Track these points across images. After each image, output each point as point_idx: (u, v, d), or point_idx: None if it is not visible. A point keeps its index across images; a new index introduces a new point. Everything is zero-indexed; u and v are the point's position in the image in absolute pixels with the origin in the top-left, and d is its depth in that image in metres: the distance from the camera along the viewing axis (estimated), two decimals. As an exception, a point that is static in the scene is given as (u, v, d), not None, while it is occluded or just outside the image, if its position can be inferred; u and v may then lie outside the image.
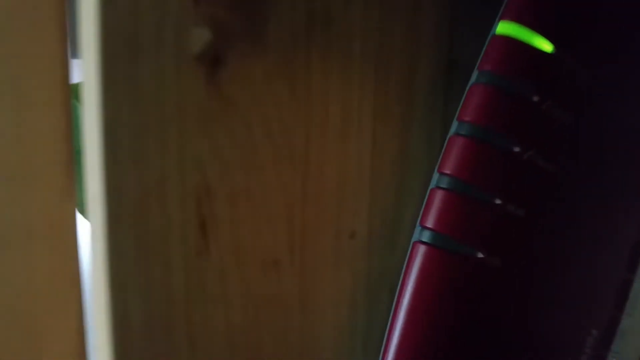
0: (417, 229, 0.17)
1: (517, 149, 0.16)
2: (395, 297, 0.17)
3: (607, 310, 0.20)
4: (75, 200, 0.19)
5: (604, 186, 0.19)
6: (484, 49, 0.17)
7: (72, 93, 0.19)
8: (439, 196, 0.16)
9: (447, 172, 0.16)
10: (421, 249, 0.16)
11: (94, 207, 0.14)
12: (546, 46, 0.16)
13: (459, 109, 0.17)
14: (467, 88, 0.17)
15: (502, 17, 0.17)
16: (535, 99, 0.16)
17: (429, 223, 0.16)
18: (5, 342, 0.18)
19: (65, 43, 0.18)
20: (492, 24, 0.17)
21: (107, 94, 0.13)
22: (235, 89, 0.14)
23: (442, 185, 0.16)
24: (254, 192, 0.15)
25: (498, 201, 0.16)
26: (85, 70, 0.13)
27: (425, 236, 0.16)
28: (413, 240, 0.17)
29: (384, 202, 0.18)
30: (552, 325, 0.19)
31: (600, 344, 0.20)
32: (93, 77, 0.13)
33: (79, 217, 0.20)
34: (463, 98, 0.17)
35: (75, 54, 0.17)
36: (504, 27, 0.16)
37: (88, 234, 0.15)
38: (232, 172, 0.15)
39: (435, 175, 0.17)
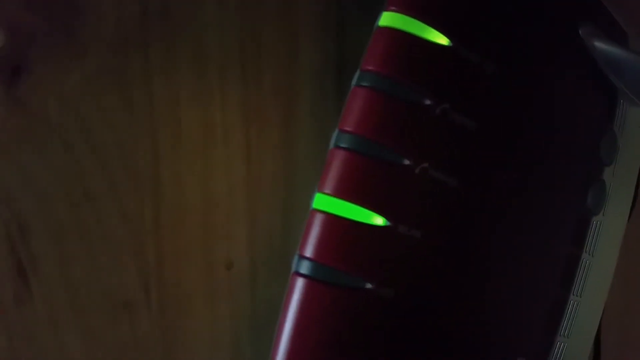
0: (296, 257, 0.14)
1: (407, 162, 0.14)
2: (274, 336, 0.14)
3: (551, 297, 0.18)
4: None
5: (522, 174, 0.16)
6: (368, 45, 0.14)
7: None
8: (318, 219, 0.14)
9: (327, 191, 0.14)
10: (299, 282, 0.14)
11: None
12: (438, 36, 0.14)
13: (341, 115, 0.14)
14: (349, 92, 0.14)
15: (386, 7, 0.14)
16: (428, 102, 0.14)
17: (308, 252, 0.14)
18: None
19: None
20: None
21: None
22: (44, 102, 0.12)
23: (320, 208, 0.14)
24: (85, 225, 0.13)
25: (389, 224, 0.14)
26: None
27: (304, 267, 0.14)
28: (292, 271, 0.14)
29: (266, 224, 0.16)
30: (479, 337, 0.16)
31: (546, 330, 0.18)
32: None
33: None
34: (345, 102, 0.14)
35: None
36: (388, 19, 0.14)
37: None
38: (52, 203, 0.12)
39: (315, 193, 0.14)
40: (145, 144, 0.13)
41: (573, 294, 0.19)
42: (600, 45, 0.18)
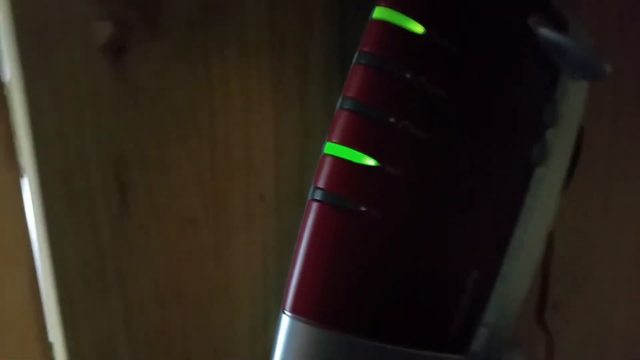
0: (311, 188, 0.20)
1: (392, 120, 0.19)
2: (294, 248, 0.20)
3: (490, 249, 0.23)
4: (18, 170, 0.21)
5: (483, 139, 0.22)
6: (365, 32, 0.19)
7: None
8: (328, 161, 0.19)
9: (334, 141, 0.19)
10: (313, 206, 0.19)
11: (30, 178, 0.17)
12: (414, 26, 0.19)
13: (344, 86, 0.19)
14: (351, 67, 0.19)
15: (378, 3, 0.19)
16: (409, 75, 0.19)
17: (320, 183, 0.19)
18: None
19: None
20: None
21: (28, 84, 0.15)
22: (139, 73, 0.17)
23: (329, 152, 0.19)
24: (166, 163, 0.18)
25: (378, 164, 0.19)
26: (7, 66, 0.16)
27: (317, 195, 0.19)
28: (308, 198, 0.20)
29: (289, 168, 0.21)
30: (441, 263, 0.22)
31: (496, 252, 0.24)
32: (14, 70, 0.15)
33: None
34: (347, 76, 0.19)
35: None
36: (380, 12, 0.19)
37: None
38: (144, 145, 0.17)
39: (325, 143, 0.20)
40: (204, 104, 0.18)
41: (519, 227, 0.24)
42: (544, 32, 0.23)
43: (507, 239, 0.24)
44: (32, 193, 0.17)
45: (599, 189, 0.37)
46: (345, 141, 0.19)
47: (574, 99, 0.25)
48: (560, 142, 0.25)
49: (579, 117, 0.26)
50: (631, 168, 0.38)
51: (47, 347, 0.19)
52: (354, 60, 0.19)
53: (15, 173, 0.22)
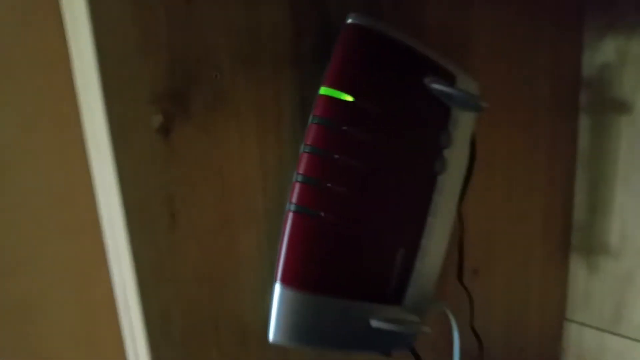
0: (288, 203, 0.31)
1: (336, 156, 0.30)
2: (279, 242, 0.31)
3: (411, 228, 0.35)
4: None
5: (398, 156, 0.33)
6: (315, 102, 0.30)
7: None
8: (297, 186, 0.30)
9: (300, 172, 0.30)
10: (290, 214, 0.30)
11: (121, 208, 0.27)
12: (346, 97, 0.30)
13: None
14: (307, 125, 0.30)
15: (322, 84, 0.30)
16: (345, 127, 0.31)
17: (293, 200, 0.30)
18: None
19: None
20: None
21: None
22: (179, 144, 0.28)
23: (297, 180, 0.30)
24: (194, 199, 0.29)
25: (328, 185, 0.30)
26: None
27: (292, 207, 0.30)
28: (286, 209, 0.31)
29: (273, 188, 0.32)
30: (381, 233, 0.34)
31: (415, 234, 0.35)
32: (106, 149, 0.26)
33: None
34: (306, 130, 0.30)
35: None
36: (324, 90, 0.30)
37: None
38: (184, 188, 0.28)
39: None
40: (220, 158, 0.29)
41: (430, 216, 0.36)
42: (435, 86, 0.35)
43: (423, 224, 0.36)
44: (120, 216, 0.28)
45: (501, 179, 0.49)
46: (307, 173, 0.30)
47: (463, 125, 0.37)
48: (456, 156, 0.37)
49: (469, 136, 0.38)
50: (529, 161, 0.51)
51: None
52: (309, 120, 0.30)
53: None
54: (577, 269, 0.62)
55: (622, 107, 0.55)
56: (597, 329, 0.62)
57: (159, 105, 0.27)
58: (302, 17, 0.32)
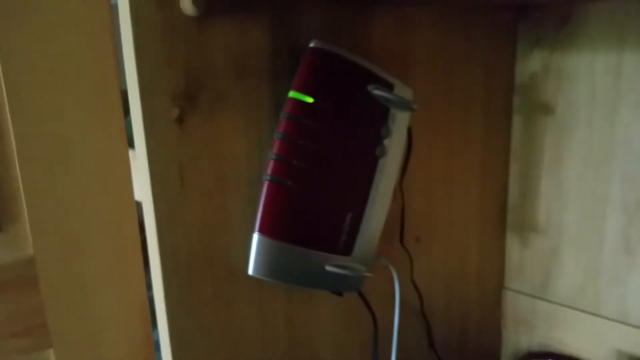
0: (264, 174, 0.43)
1: (300, 142, 0.43)
2: (258, 204, 0.43)
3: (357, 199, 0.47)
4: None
5: (344, 147, 0.46)
6: (285, 103, 0.43)
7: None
8: (271, 162, 0.42)
9: (273, 151, 0.42)
10: (265, 183, 0.43)
11: (148, 174, 0.40)
12: (308, 99, 0.43)
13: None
14: (279, 118, 0.43)
15: (291, 89, 0.43)
16: (307, 121, 0.43)
17: (268, 171, 0.43)
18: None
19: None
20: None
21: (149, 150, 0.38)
22: (190, 130, 0.40)
23: (271, 158, 0.43)
24: (198, 165, 0.41)
25: (293, 162, 0.43)
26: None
27: (266, 177, 0.43)
28: (263, 179, 0.43)
29: (256, 164, 0.44)
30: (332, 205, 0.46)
31: (355, 219, 0.48)
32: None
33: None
34: (278, 122, 0.43)
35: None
36: (292, 94, 0.42)
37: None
38: (193, 161, 0.40)
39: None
40: (218, 140, 0.41)
41: (372, 189, 0.48)
42: (377, 92, 0.47)
43: (367, 195, 0.48)
44: (147, 178, 0.39)
45: (440, 165, 0.61)
46: (278, 152, 0.42)
47: (400, 121, 0.49)
48: (393, 144, 0.49)
49: (405, 129, 0.50)
50: (465, 153, 0.62)
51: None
52: (281, 115, 0.43)
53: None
54: (512, 245, 0.74)
55: (546, 109, 0.68)
56: (530, 295, 0.74)
57: (177, 102, 0.39)
58: (278, 42, 0.44)
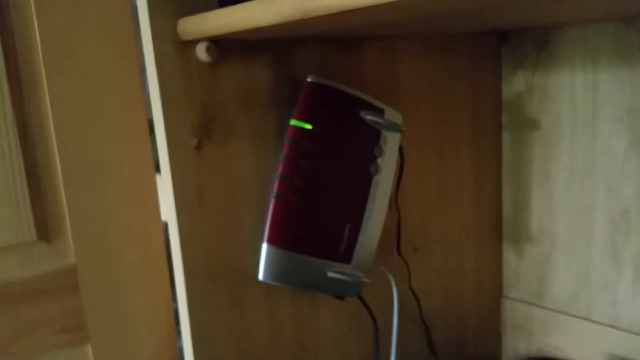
0: (271, 191, 0.49)
1: (301, 163, 0.49)
2: (266, 217, 0.49)
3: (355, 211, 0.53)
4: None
5: (341, 168, 0.52)
6: (287, 130, 0.49)
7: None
8: (276, 181, 0.49)
9: (278, 173, 0.49)
10: (272, 200, 0.49)
11: (169, 186, 0.46)
12: (307, 126, 0.49)
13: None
14: (283, 143, 0.49)
15: (292, 118, 0.49)
16: (306, 144, 0.49)
17: (274, 189, 0.49)
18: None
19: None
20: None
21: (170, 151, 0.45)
22: (207, 156, 0.47)
23: (277, 177, 0.49)
24: (211, 187, 0.48)
25: (295, 181, 0.49)
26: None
27: (273, 194, 0.49)
28: (270, 197, 0.49)
29: (262, 183, 0.51)
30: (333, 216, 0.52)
31: (353, 230, 0.54)
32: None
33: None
34: (282, 146, 0.49)
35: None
36: (293, 122, 0.49)
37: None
38: (213, 183, 0.47)
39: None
40: (232, 166, 0.48)
41: (369, 202, 0.54)
42: (369, 117, 0.53)
43: (364, 209, 0.54)
44: (171, 197, 0.46)
45: (434, 180, 0.67)
46: (282, 172, 0.49)
47: (391, 142, 0.55)
48: (386, 163, 0.55)
49: (397, 149, 0.56)
50: (456, 168, 0.68)
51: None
52: (284, 141, 0.49)
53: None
54: (509, 254, 0.79)
55: (533, 125, 0.73)
56: (526, 302, 0.78)
57: (195, 133, 0.46)
58: (279, 78, 0.51)
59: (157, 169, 0.46)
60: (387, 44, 0.59)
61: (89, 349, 0.45)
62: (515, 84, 0.73)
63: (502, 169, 0.76)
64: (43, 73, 0.40)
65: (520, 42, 0.72)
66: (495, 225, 0.76)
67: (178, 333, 0.47)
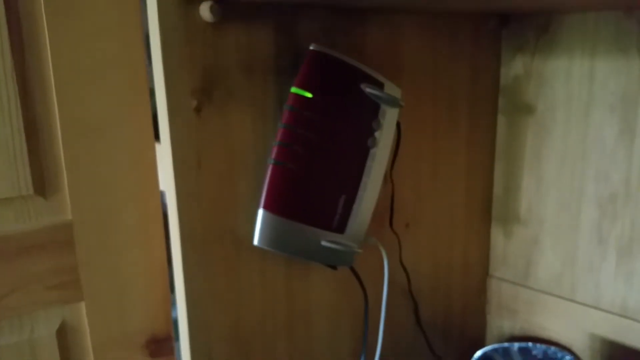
0: (269, 157, 0.49)
1: (299, 130, 0.49)
2: (263, 185, 0.50)
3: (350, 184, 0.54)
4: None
5: (341, 137, 0.52)
6: (288, 97, 0.49)
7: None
8: (275, 148, 0.49)
9: (277, 140, 0.49)
10: (270, 166, 0.49)
11: (169, 155, 0.47)
12: (308, 94, 0.49)
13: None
14: (282, 111, 0.49)
15: (293, 85, 0.49)
16: (306, 113, 0.50)
17: (272, 155, 0.49)
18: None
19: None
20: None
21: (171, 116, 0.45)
22: (206, 118, 0.47)
23: (275, 144, 0.49)
24: (212, 145, 0.48)
25: (293, 147, 0.49)
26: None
27: (270, 160, 0.49)
28: (267, 163, 0.50)
29: (261, 149, 0.51)
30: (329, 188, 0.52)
31: (348, 201, 0.54)
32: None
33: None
34: (281, 114, 0.49)
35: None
36: (294, 89, 0.49)
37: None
38: (209, 144, 0.47)
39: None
40: (229, 128, 0.48)
41: (365, 175, 0.55)
42: (369, 90, 0.53)
43: (359, 181, 0.55)
44: (170, 159, 0.46)
45: (428, 159, 0.68)
46: (281, 139, 0.49)
47: (389, 116, 0.56)
48: (384, 136, 0.56)
49: (394, 123, 0.56)
50: (450, 148, 0.69)
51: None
52: (284, 108, 0.49)
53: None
54: (497, 235, 0.80)
55: (528, 110, 0.74)
56: (512, 282, 0.80)
57: (195, 96, 0.46)
58: (281, 45, 0.51)
59: (157, 137, 0.46)
60: (391, 19, 0.59)
61: (82, 307, 0.45)
62: (513, 68, 0.74)
63: (495, 152, 0.77)
64: (45, 26, 0.39)
65: (521, 27, 0.72)
66: (486, 206, 0.77)
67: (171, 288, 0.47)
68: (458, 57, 0.67)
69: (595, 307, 0.72)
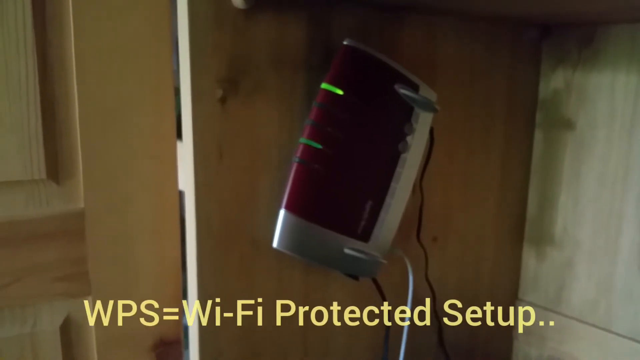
0: (294, 156, 0.47)
1: (329, 129, 0.47)
2: (286, 183, 0.47)
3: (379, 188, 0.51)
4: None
5: (371, 140, 0.49)
6: (318, 93, 0.47)
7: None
8: (301, 146, 0.46)
9: (304, 136, 0.46)
10: (294, 165, 0.46)
11: (190, 150, 0.44)
12: (339, 91, 0.47)
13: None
14: (311, 108, 0.47)
15: (324, 82, 0.47)
16: (336, 111, 0.47)
17: (297, 154, 0.46)
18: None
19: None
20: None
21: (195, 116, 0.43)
22: (231, 109, 0.44)
23: (302, 142, 0.46)
24: (237, 140, 0.45)
25: (321, 148, 0.46)
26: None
27: (295, 159, 0.46)
28: (292, 161, 0.47)
29: (287, 143, 0.48)
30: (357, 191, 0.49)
31: (375, 208, 0.51)
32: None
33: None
34: (310, 110, 0.47)
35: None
36: (324, 85, 0.46)
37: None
38: (232, 137, 0.45)
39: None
40: (254, 120, 0.46)
41: (394, 181, 0.51)
42: (403, 91, 0.50)
43: (388, 186, 0.51)
44: (190, 150, 0.44)
45: (459, 172, 0.64)
46: (308, 137, 0.46)
47: (423, 121, 0.53)
48: (416, 142, 0.52)
49: (428, 128, 0.53)
50: (484, 162, 0.65)
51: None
52: (313, 104, 0.47)
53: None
54: (529, 255, 0.76)
55: (567, 125, 0.70)
56: (543, 308, 0.75)
57: (221, 85, 0.43)
58: (314, 38, 0.48)
59: (179, 135, 0.43)
60: (428, 21, 0.56)
61: (89, 302, 0.42)
62: (553, 81, 0.70)
63: (531, 168, 0.73)
64: (70, 2, 0.37)
65: (563, 38, 0.69)
66: (518, 225, 0.73)
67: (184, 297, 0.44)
68: (496, 67, 0.64)
69: (632, 339, 0.66)
